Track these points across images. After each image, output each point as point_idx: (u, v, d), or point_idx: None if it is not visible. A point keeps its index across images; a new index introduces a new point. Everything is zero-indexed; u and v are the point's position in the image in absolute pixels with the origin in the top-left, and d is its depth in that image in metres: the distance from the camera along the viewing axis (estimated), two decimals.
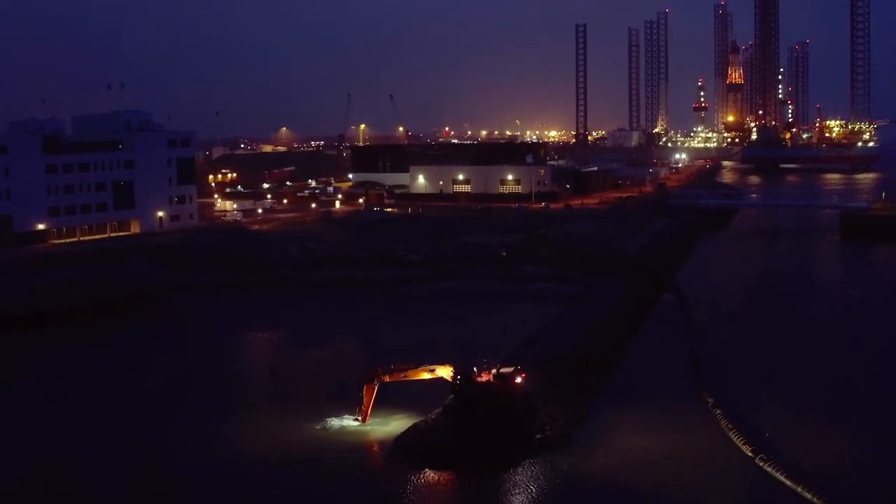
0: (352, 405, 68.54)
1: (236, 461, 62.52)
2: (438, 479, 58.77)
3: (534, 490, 57.36)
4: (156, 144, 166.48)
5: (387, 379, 65.49)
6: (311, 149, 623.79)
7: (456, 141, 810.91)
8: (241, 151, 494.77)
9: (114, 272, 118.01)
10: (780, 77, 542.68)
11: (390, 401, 67.42)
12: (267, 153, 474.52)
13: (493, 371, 63.14)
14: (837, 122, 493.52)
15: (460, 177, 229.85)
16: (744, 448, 60.75)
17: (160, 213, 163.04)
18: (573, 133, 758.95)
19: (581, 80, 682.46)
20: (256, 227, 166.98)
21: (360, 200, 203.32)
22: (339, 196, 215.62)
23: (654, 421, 68.31)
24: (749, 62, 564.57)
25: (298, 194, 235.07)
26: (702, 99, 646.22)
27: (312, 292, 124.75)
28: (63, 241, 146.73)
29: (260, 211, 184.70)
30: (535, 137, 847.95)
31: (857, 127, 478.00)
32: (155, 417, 73.41)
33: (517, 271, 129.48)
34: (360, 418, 66.32)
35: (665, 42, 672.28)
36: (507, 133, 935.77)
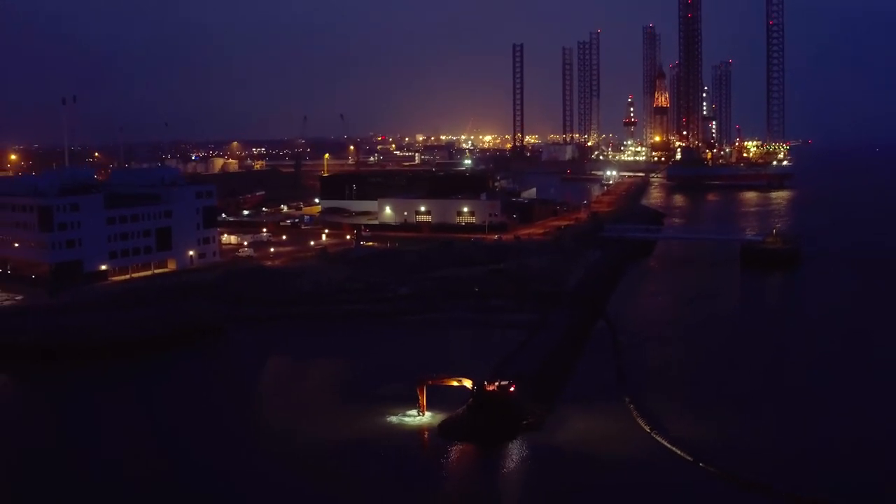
0: (399, 404, 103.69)
1: (340, 445, 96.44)
2: (466, 449, 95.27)
3: (522, 454, 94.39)
4: (187, 196, 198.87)
5: (430, 383, 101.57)
6: (258, 158, 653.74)
7: (398, 152, 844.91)
8: (195, 168, 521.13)
9: (183, 308, 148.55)
10: (703, 95, 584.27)
11: (431, 403, 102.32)
12: (230, 174, 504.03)
13: (497, 383, 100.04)
14: (754, 143, 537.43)
15: (422, 208, 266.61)
16: (645, 427, 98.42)
17: (191, 253, 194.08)
18: (508, 137, 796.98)
19: (518, 96, 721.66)
20: (269, 262, 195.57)
21: (348, 237, 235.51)
22: (326, 230, 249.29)
23: (593, 412, 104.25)
24: (675, 81, 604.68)
25: (281, 223, 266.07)
26: (631, 114, 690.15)
27: (333, 323, 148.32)
28: (119, 278, 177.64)
29: (272, 250, 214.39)
30: (470, 142, 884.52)
31: (773, 147, 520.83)
32: (253, 417, 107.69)
33: (487, 304, 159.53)
34: (420, 411, 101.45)
35: (597, 60, 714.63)
36: (443, 138, 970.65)
